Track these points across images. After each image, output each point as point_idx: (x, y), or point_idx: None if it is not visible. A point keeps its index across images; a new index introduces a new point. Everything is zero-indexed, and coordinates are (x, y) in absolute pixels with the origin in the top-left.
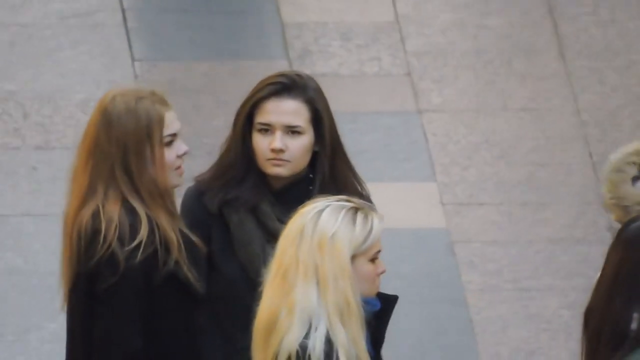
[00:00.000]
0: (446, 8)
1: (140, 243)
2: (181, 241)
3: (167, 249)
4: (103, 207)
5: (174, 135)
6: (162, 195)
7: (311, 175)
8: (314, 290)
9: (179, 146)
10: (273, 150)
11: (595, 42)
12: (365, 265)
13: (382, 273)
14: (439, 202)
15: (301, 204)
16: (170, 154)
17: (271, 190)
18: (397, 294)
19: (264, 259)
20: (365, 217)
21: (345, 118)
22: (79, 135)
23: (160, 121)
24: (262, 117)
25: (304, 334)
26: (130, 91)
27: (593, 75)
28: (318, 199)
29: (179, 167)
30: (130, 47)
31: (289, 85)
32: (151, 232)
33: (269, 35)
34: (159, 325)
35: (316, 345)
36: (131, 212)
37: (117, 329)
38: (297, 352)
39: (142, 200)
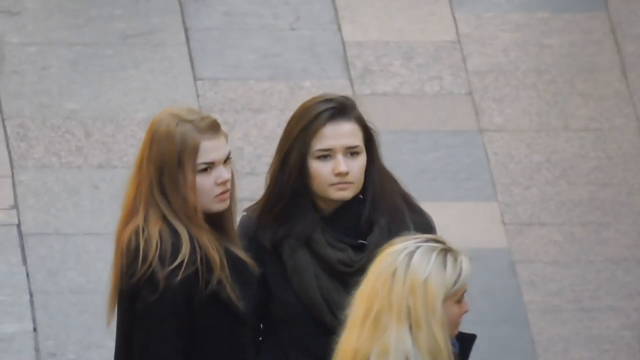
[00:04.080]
0: (507, 27)
1: (181, 263)
2: (224, 259)
3: (209, 268)
4: (144, 226)
5: (211, 163)
6: (200, 217)
7: (361, 196)
8: (408, 334)
9: (219, 174)
10: (339, 174)
11: None
12: (452, 308)
13: (465, 312)
14: (500, 221)
15: (352, 225)
16: (205, 181)
17: (321, 215)
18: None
19: (318, 287)
20: (455, 259)
21: (406, 137)
22: None
23: (194, 149)
24: (321, 143)
25: None
26: (179, 112)
27: None
28: (407, 238)
29: (221, 194)
30: (192, 66)
31: (340, 107)
32: (193, 251)
33: (329, 54)
34: (201, 344)
35: None
36: (173, 231)
37: (154, 348)
38: None
39: (181, 220)
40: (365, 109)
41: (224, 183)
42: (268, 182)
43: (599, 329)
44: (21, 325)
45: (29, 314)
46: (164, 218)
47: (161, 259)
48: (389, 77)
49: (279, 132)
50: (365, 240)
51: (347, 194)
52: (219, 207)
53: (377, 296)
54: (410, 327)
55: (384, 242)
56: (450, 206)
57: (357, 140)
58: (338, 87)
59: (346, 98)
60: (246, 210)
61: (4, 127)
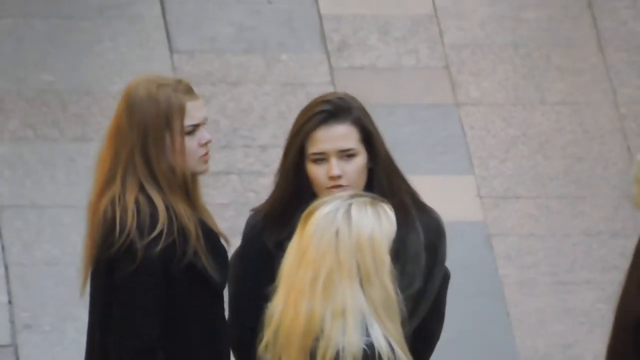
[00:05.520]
0: (485, 1)
1: (160, 233)
2: (199, 230)
3: (185, 238)
4: (120, 195)
5: (197, 125)
6: (181, 184)
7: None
8: (360, 290)
9: (202, 135)
10: (332, 178)
11: (634, 36)
12: None
13: None
14: (476, 195)
15: None
16: (192, 143)
17: None
18: None
19: None
20: (385, 210)
21: (383, 111)
22: None
23: (181, 110)
24: (314, 147)
25: (363, 333)
26: (155, 78)
27: (632, 69)
28: (324, 199)
29: (203, 155)
30: (168, 39)
31: (333, 110)
32: (170, 221)
33: (306, 28)
34: (179, 316)
35: (381, 342)
36: (149, 200)
37: (133, 320)
38: (365, 351)
39: (159, 188)
40: (343, 83)
41: (206, 144)
42: (275, 183)
43: (574, 302)
44: None
45: (4, 286)
46: (141, 187)
47: (139, 229)
48: (366, 50)
49: (255, 105)
50: None
51: None
52: (203, 168)
53: (324, 259)
54: (362, 283)
55: None
56: (426, 179)
57: (351, 142)
58: (315, 61)
59: (341, 99)
60: (253, 209)
61: None
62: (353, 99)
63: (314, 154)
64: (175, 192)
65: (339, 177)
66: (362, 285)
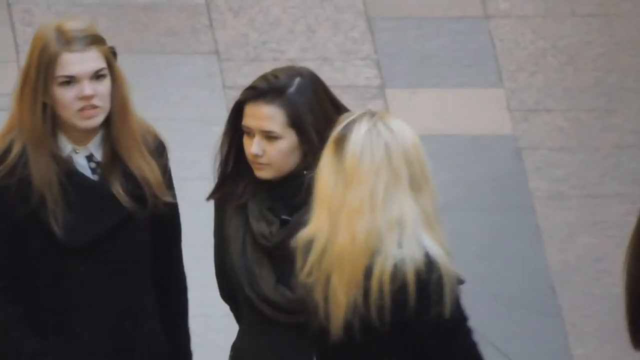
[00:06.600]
0: None
1: None
2: (55, 182)
3: (27, 185)
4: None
5: (72, 77)
6: (48, 134)
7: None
8: (413, 199)
9: (82, 88)
10: (251, 155)
11: None
12: None
13: None
14: (505, 108)
15: (296, 196)
16: (67, 94)
17: (268, 185)
18: (463, 202)
19: (242, 257)
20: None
21: (412, 24)
22: (145, 40)
23: (51, 60)
24: (244, 120)
25: (419, 244)
26: (62, 22)
27: None
28: (346, 122)
29: (84, 109)
30: None
31: (264, 90)
32: (14, 166)
33: None
34: (22, 262)
35: (435, 251)
36: (10, 142)
37: None
38: (425, 263)
39: (23, 134)
40: None
41: (85, 98)
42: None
43: (604, 215)
44: None
45: None
46: (12, 129)
47: None
48: None
49: (284, 18)
50: (291, 217)
51: (264, 174)
52: (82, 124)
53: (379, 173)
54: (413, 192)
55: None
56: (455, 93)
57: (274, 125)
58: None
59: (277, 78)
60: None
61: (10, 12)
62: (295, 76)
63: (244, 126)
64: (39, 142)
65: (256, 156)
66: (414, 194)
